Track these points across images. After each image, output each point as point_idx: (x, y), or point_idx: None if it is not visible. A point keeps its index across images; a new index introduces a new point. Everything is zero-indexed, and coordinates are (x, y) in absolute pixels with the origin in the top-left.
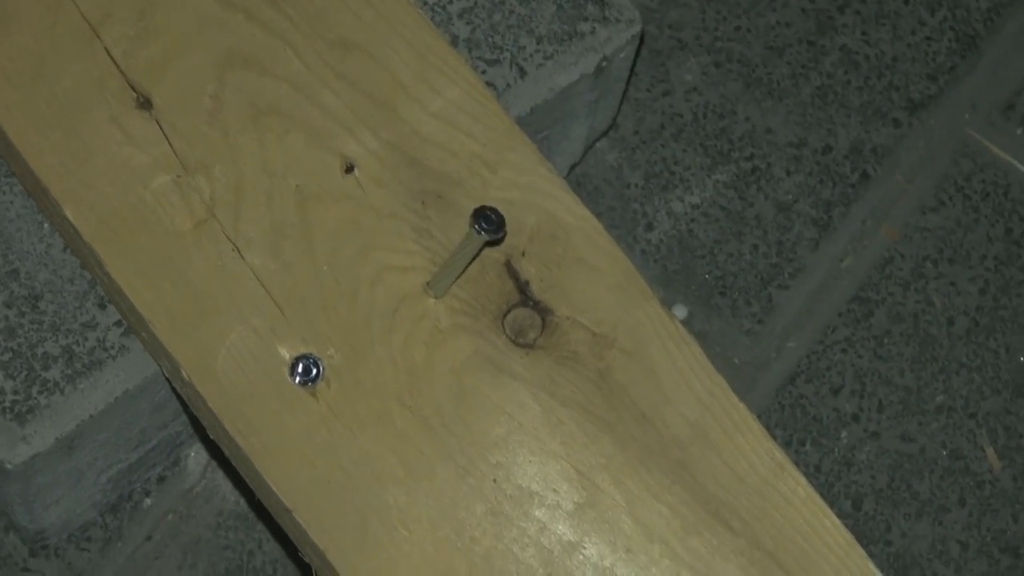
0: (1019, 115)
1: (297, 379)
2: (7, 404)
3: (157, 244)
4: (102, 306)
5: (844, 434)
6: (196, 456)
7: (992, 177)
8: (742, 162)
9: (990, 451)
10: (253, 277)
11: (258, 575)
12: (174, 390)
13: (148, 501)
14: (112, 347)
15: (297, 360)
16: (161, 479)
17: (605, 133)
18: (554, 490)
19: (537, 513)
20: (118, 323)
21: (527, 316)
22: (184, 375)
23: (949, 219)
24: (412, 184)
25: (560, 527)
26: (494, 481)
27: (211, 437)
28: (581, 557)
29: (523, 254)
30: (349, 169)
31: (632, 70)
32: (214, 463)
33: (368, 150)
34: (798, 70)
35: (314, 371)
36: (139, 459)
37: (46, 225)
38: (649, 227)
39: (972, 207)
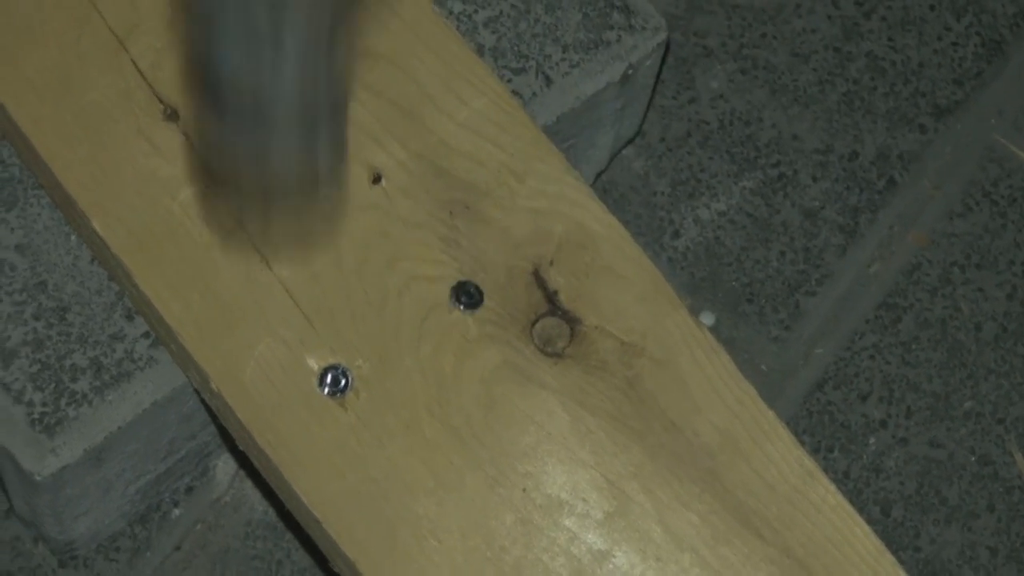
0: None
1: (326, 390)
2: (36, 416)
3: (185, 255)
4: (130, 318)
5: (872, 440)
6: (224, 466)
7: (1019, 182)
8: (768, 169)
9: (1019, 457)
10: (281, 288)
11: None
12: (202, 401)
13: (176, 511)
14: (140, 358)
15: (326, 371)
16: (189, 489)
17: (631, 141)
18: (584, 499)
19: (567, 522)
20: (146, 334)
21: (555, 325)
22: (213, 386)
23: (976, 225)
24: (439, 194)
25: (590, 536)
26: (524, 491)
27: (240, 448)
28: (611, 566)
29: (551, 263)
30: (376, 179)
31: (658, 78)
32: (242, 473)
33: (396, 160)
34: (824, 76)
35: (343, 382)
36: (167, 470)
37: (73, 237)
38: (676, 235)
39: (999, 212)
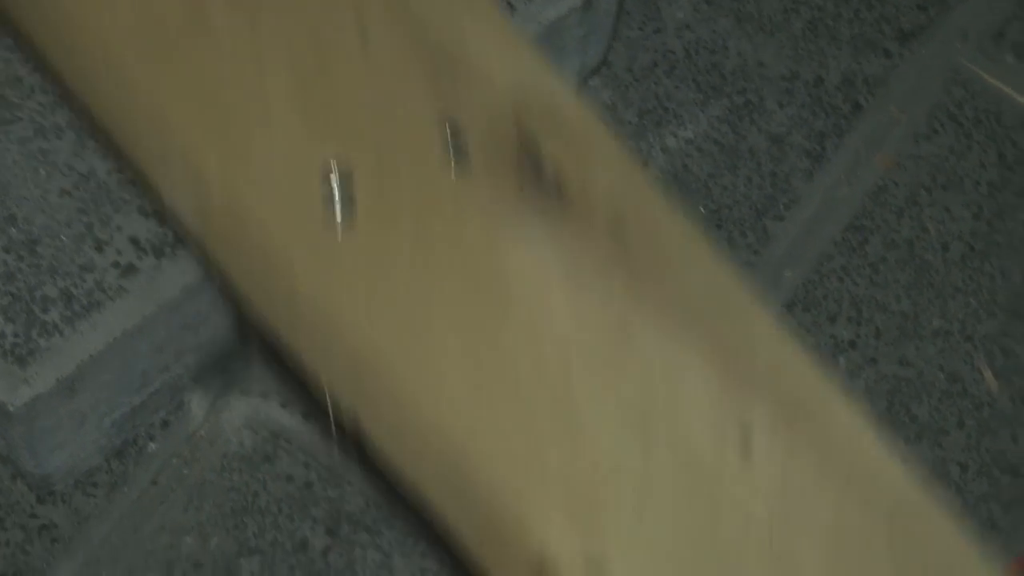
0: (1009, 43)
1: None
2: (7, 347)
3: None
4: (99, 249)
5: (842, 361)
6: (199, 400)
7: (984, 104)
8: (735, 96)
9: (987, 373)
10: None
11: (264, 514)
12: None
13: (152, 446)
14: (110, 288)
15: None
16: (165, 424)
17: (597, 70)
18: None
19: None
20: (115, 265)
21: (541, 179)
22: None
23: (942, 147)
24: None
25: None
26: None
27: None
28: None
29: (536, 119)
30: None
31: (621, 5)
32: (217, 406)
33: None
34: (788, 4)
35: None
36: (142, 403)
37: (42, 171)
38: (644, 163)
39: (965, 134)
